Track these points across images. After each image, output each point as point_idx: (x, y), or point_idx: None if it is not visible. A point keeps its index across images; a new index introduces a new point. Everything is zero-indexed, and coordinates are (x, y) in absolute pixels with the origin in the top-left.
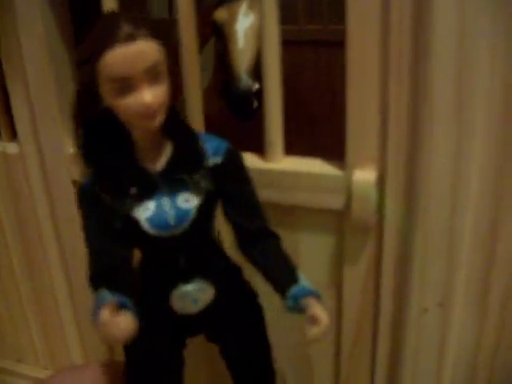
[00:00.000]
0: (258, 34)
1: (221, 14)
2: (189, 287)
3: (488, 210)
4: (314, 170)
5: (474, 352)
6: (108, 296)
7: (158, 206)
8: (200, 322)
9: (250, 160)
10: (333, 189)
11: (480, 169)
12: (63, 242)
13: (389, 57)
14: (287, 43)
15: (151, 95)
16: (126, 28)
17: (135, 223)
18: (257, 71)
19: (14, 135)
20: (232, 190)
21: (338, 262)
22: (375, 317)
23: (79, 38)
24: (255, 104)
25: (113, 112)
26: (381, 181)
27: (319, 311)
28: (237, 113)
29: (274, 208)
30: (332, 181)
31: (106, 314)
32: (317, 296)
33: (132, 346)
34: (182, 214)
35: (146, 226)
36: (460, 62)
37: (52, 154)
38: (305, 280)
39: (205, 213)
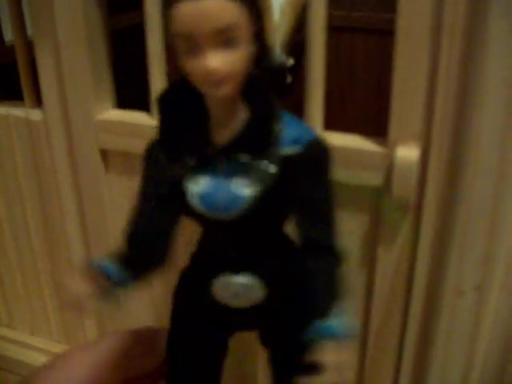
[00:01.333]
0: (295, 9)
1: None
2: (233, 279)
3: None
4: (354, 146)
5: (506, 339)
6: (101, 262)
7: (212, 184)
8: (248, 319)
9: None
10: (373, 165)
11: None
12: (85, 214)
13: (440, 30)
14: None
15: (217, 60)
16: None
17: (183, 195)
18: (292, 47)
19: (38, 101)
20: (302, 189)
21: (373, 240)
22: (407, 298)
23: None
24: (289, 79)
25: None
26: (424, 159)
27: (330, 360)
28: (271, 87)
29: None
30: (373, 157)
31: (79, 278)
32: (343, 339)
33: (173, 323)
34: (233, 200)
35: (195, 200)
36: None
37: (79, 122)
38: (340, 319)
39: (265, 205)
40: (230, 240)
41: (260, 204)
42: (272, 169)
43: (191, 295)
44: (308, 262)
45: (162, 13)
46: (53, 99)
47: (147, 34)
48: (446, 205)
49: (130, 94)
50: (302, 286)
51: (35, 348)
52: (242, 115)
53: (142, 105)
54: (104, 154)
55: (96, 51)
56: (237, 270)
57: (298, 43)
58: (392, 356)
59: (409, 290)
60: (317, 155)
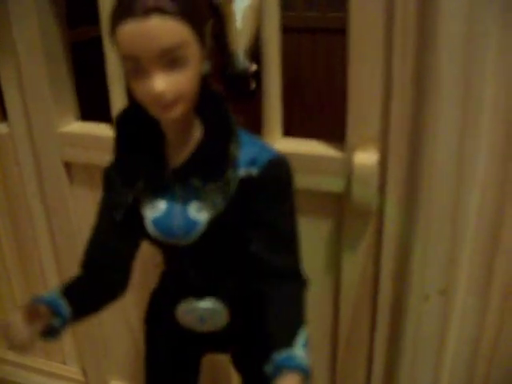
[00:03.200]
0: (256, 14)
1: None
2: (195, 304)
3: (493, 195)
4: (313, 152)
5: (474, 341)
6: (47, 295)
7: (168, 209)
8: (216, 342)
9: None
10: (332, 171)
11: (485, 152)
12: (52, 223)
13: (393, 34)
14: (284, 30)
15: (163, 83)
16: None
17: (140, 220)
18: (254, 52)
19: (4, 115)
20: (259, 211)
21: (337, 246)
22: (374, 303)
23: (71, 18)
24: (253, 85)
25: None
26: (382, 163)
27: None
28: (234, 94)
29: None
30: (332, 163)
31: (18, 314)
32: (304, 372)
33: (146, 345)
34: (190, 225)
35: (150, 227)
36: (467, 41)
37: (43, 135)
38: (300, 348)
39: (223, 229)
40: (190, 264)
41: (217, 228)
42: (223, 192)
43: (160, 318)
44: (270, 290)
45: (108, 35)
46: (17, 113)
47: (105, 48)
48: (408, 208)
49: (97, 105)
50: (264, 313)
51: (11, 363)
52: (196, 136)
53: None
54: (68, 166)
55: (55, 65)
56: (200, 295)
57: (260, 48)
58: (362, 361)
59: (375, 296)
60: (276, 176)
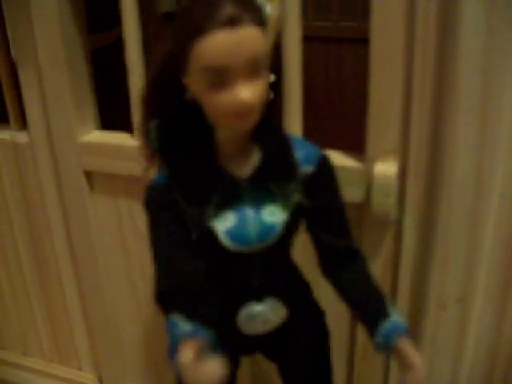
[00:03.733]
0: (274, 24)
1: None
2: (260, 307)
3: (511, 205)
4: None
5: (492, 349)
6: (186, 327)
7: (241, 218)
8: (263, 341)
9: None
10: (352, 181)
11: (504, 163)
12: (72, 233)
13: (413, 47)
14: None
15: (249, 92)
16: (230, 8)
17: (211, 235)
18: (272, 63)
19: (23, 124)
20: (322, 203)
21: None
22: None
23: (92, 24)
24: (271, 96)
25: (195, 105)
26: (402, 174)
27: (415, 357)
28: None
29: None
30: (351, 173)
31: (188, 356)
32: (408, 332)
33: None
34: (267, 229)
35: (224, 239)
36: (487, 53)
37: (63, 144)
38: (396, 313)
39: (291, 228)
40: (259, 269)
41: (288, 227)
42: (297, 191)
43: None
44: (347, 270)
45: (176, 50)
46: (37, 122)
47: (127, 51)
48: (426, 219)
49: (115, 114)
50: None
51: (27, 368)
52: (252, 145)
53: (126, 124)
54: (88, 175)
55: (77, 73)
56: (260, 298)
57: (278, 59)
58: (379, 370)
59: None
60: (329, 169)
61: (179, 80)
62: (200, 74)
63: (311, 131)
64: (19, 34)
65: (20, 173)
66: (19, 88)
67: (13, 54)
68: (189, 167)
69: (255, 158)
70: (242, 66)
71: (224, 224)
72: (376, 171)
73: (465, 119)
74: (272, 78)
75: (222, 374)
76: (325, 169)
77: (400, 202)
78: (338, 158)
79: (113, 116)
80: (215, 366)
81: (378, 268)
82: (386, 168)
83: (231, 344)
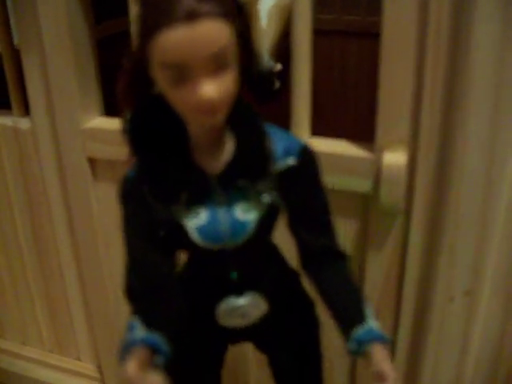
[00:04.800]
0: (282, 13)
1: None
2: (238, 302)
3: None
4: (341, 151)
5: (498, 342)
6: (139, 334)
7: (212, 215)
8: (248, 333)
9: None
10: (361, 171)
11: None
12: (74, 221)
13: (426, 36)
14: None
15: (213, 88)
16: (188, 1)
17: (182, 232)
18: (279, 52)
19: (26, 110)
20: (301, 199)
21: (362, 246)
22: (398, 304)
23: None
24: (277, 85)
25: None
26: (411, 164)
27: (386, 366)
28: (258, 93)
29: None
30: (360, 163)
31: (132, 367)
32: (383, 340)
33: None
34: (238, 227)
35: (194, 236)
36: (500, 44)
37: (66, 130)
38: (372, 318)
39: (266, 225)
40: (234, 265)
41: (262, 225)
42: (270, 188)
43: (190, 320)
44: (324, 270)
45: (139, 44)
46: (40, 108)
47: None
48: (435, 209)
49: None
50: (323, 292)
51: (26, 358)
52: (228, 140)
53: None
54: (91, 161)
55: (82, 60)
56: (238, 293)
57: (286, 48)
58: None
59: (399, 296)
60: (310, 163)
61: (147, 74)
62: (161, 71)
63: (317, 122)
64: (23, 18)
65: (22, 159)
66: (21, 73)
67: (15, 38)
68: (159, 162)
69: (228, 153)
70: (202, 62)
71: (194, 221)
72: (385, 161)
73: (476, 111)
74: (279, 66)
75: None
76: (306, 162)
77: (408, 192)
78: (347, 148)
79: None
80: (155, 380)
81: (384, 259)
82: (395, 158)
83: (212, 335)
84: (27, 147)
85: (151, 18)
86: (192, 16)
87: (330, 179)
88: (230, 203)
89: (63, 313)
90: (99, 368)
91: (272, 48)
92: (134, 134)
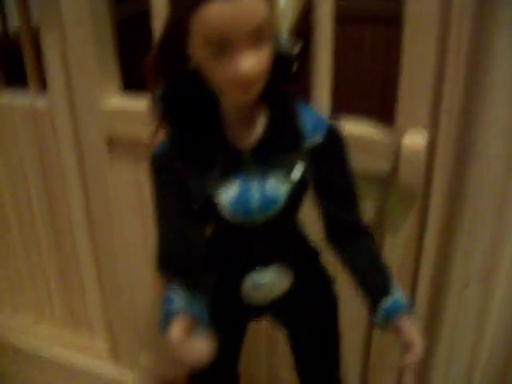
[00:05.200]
0: None
1: None
2: (263, 276)
3: None
4: (361, 132)
5: None
6: (180, 302)
7: (243, 190)
8: (270, 308)
9: None
10: (380, 152)
11: None
12: (90, 199)
13: (449, 15)
14: None
15: (252, 62)
16: None
17: (213, 206)
18: (298, 32)
19: (43, 87)
20: (329, 175)
21: (380, 228)
22: (413, 288)
23: None
24: (296, 66)
25: (200, 75)
26: (431, 146)
27: (414, 336)
28: (276, 74)
29: None
30: (380, 143)
31: (176, 332)
32: (410, 311)
33: None
34: (269, 202)
35: (225, 210)
36: None
37: (84, 108)
38: (398, 291)
39: (294, 200)
40: (261, 239)
41: (291, 199)
42: (301, 163)
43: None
44: (351, 246)
45: (176, 19)
46: (58, 86)
47: (153, 22)
48: (454, 193)
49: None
50: (351, 266)
51: (40, 335)
52: (260, 116)
53: None
54: (110, 141)
55: (102, 37)
56: (263, 267)
57: (305, 28)
58: (397, 348)
59: (415, 282)
60: (338, 140)
61: (183, 49)
62: (201, 46)
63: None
64: None
65: (39, 139)
66: (39, 52)
67: (35, 15)
68: (192, 137)
69: (260, 128)
70: (242, 36)
71: (226, 196)
72: (405, 143)
73: (498, 92)
74: (298, 47)
75: (209, 351)
76: (333, 139)
77: (427, 175)
78: (366, 129)
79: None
80: (202, 344)
81: (401, 242)
82: (415, 141)
83: (236, 311)
84: (44, 126)
85: None
86: None
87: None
88: (261, 177)
89: (77, 290)
90: (112, 346)
91: (291, 27)
92: (168, 110)
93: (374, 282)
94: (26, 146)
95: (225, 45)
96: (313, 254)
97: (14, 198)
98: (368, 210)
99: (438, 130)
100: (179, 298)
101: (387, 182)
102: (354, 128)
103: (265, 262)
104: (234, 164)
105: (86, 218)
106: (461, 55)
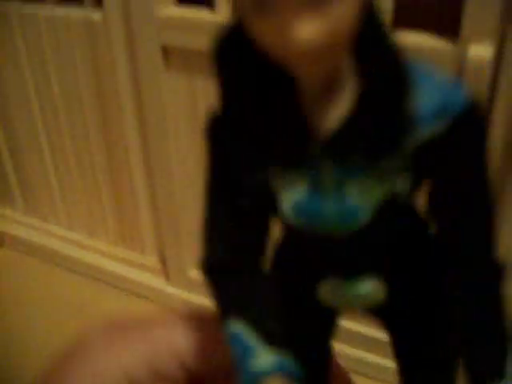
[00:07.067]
0: None
1: None
2: (347, 289)
3: None
4: (423, 43)
5: None
6: (269, 360)
7: (313, 195)
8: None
9: None
10: (443, 63)
11: None
12: (145, 113)
13: None
14: None
15: (309, 30)
16: None
17: (275, 205)
18: None
19: (99, 2)
20: (451, 183)
21: None
22: None
23: None
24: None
25: None
26: (497, 59)
27: None
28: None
29: None
30: (443, 54)
31: None
32: None
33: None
34: (347, 213)
35: (288, 211)
36: None
37: (140, 18)
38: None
39: (390, 209)
40: (340, 251)
41: (383, 210)
42: (404, 167)
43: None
44: (466, 286)
45: None
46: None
47: None
48: None
49: None
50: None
51: (93, 249)
52: (353, 88)
53: None
54: (165, 50)
55: None
56: (350, 276)
57: None
58: None
59: None
60: (473, 133)
61: None
62: None
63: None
64: None
65: (93, 51)
66: None
67: None
68: (250, 107)
69: (348, 106)
70: None
71: (291, 194)
72: (470, 53)
73: None
74: None
75: None
76: (468, 130)
77: (491, 90)
78: (427, 39)
79: None
80: None
81: None
82: (480, 50)
83: (316, 315)
84: (98, 37)
85: None
86: None
87: None
88: (340, 180)
89: (129, 206)
90: (162, 260)
91: None
92: (225, 67)
93: (481, 350)
94: (79, 58)
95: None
96: (422, 242)
97: (68, 108)
98: None
99: (506, 40)
100: (263, 353)
101: None
102: (415, 38)
103: (350, 272)
104: (300, 154)
105: (140, 132)
106: None
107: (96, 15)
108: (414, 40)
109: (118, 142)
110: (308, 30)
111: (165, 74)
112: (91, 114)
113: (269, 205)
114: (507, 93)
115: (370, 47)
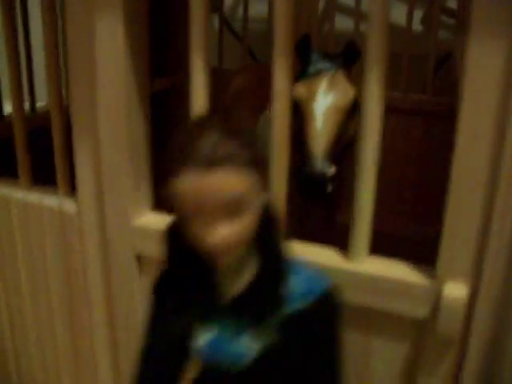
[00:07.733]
0: (339, 115)
1: (300, 90)
2: None
3: None
4: (399, 275)
5: None
6: None
7: (217, 336)
8: None
9: (330, 257)
10: (418, 297)
11: None
12: (115, 317)
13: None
14: None
15: (223, 235)
16: (204, 150)
17: (187, 348)
18: (333, 155)
19: (72, 191)
20: (304, 350)
21: (412, 373)
22: None
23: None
24: (329, 188)
25: None
26: (472, 297)
27: None
28: (308, 195)
29: (346, 306)
30: (419, 289)
31: None
32: None
33: None
34: (239, 355)
35: (197, 349)
36: None
37: (115, 224)
38: None
39: (271, 359)
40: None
41: (266, 358)
42: (278, 326)
43: None
44: None
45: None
46: (88, 194)
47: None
48: (493, 340)
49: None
50: None
51: None
52: (253, 267)
53: None
54: (139, 258)
55: (137, 154)
56: None
57: (340, 150)
58: None
59: None
60: (326, 312)
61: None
62: (180, 207)
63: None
64: (79, 96)
65: (65, 245)
66: (71, 158)
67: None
68: (183, 271)
69: (248, 278)
70: (213, 209)
71: (202, 340)
72: (445, 291)
73: None
74: (333, 170)
75: None
76: (322, 309)
77: (466, 325)
78: (406, 271)
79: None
80: None
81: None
82: (456, 288)
83: None
84: (72, 232)
85: (176, 160)
86: (207, 166)
87: (386, 302)
88: (237, 330)
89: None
90: None
91: (326, 150)
92: (169, 246)
93: None
94: (51, 247)
95: (197, 211)
96: None
97: (33, 296)
98: (400, 352)
99: (481, 282)
100: None
101: (422, 325)
102: (392, 269)
103: None
104: (211, 310)
105: (110, 334)
106: (509, 205)
107: (69, 205)
108: (390, 271)
109: (84, 334)
110: (222, 236)
111: (138, 281)
112: (58, 305)
113: (181, 351)
114: (483, 328)
115: (264, 244)
